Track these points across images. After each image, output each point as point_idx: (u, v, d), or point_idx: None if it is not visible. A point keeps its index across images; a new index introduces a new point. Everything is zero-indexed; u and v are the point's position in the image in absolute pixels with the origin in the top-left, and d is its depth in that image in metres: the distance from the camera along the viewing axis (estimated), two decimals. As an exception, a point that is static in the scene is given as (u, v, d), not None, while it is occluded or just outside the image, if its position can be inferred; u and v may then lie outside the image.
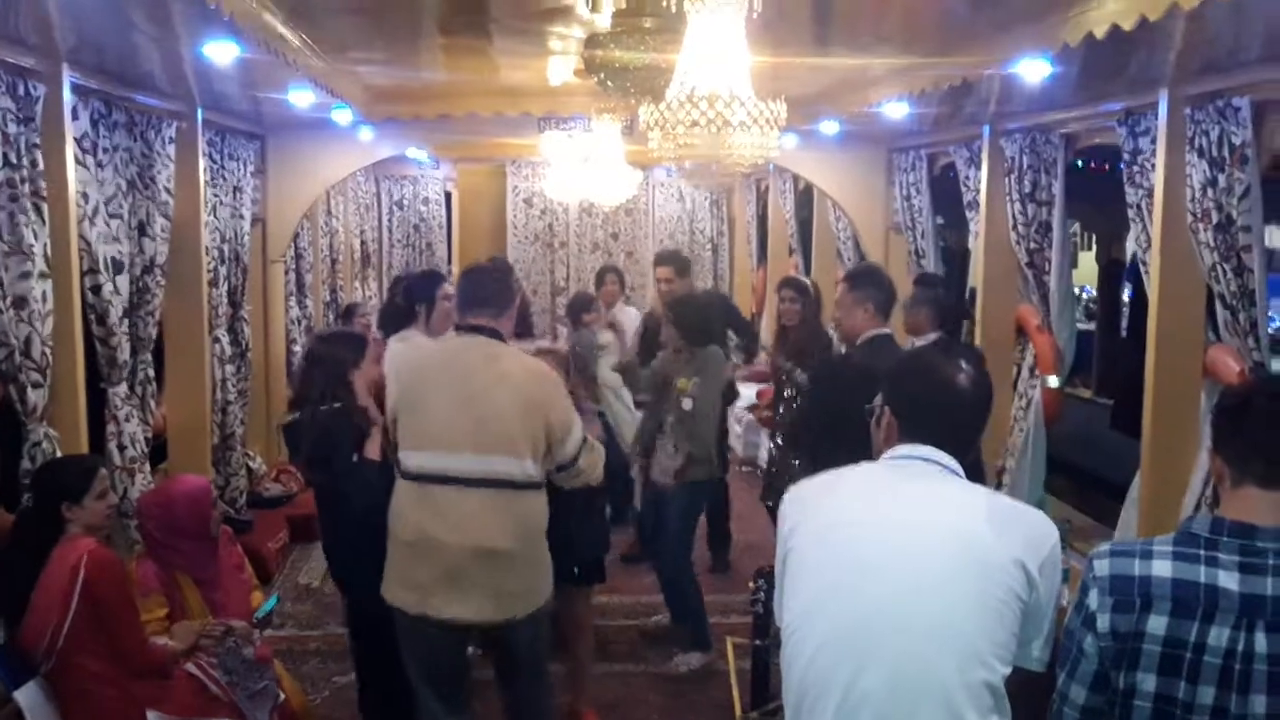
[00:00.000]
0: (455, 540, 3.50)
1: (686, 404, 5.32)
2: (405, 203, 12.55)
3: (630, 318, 8.17)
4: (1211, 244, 4.18)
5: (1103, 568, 2.03)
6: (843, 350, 5.55)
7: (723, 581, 6.31)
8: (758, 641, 4.14)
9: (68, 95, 4.28)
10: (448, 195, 12.96)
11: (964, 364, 2.22)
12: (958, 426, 2.19)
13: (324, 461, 3.91)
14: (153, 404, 5.47)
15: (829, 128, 6.89)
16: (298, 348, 8.34)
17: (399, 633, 3.68)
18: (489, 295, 3.73)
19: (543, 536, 3.67)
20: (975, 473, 2.29)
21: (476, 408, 3.52)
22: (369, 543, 3.67)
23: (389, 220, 12.38)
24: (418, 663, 3.71)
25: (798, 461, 5.46)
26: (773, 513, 5.66)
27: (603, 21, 3.97)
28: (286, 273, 8.01)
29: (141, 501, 4.26)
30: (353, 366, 3.97)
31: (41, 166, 4.11)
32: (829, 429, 3.48)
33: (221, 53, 4.09)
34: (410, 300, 5.17)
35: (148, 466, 5.26)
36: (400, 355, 4.08)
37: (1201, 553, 1.96)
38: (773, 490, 5.74)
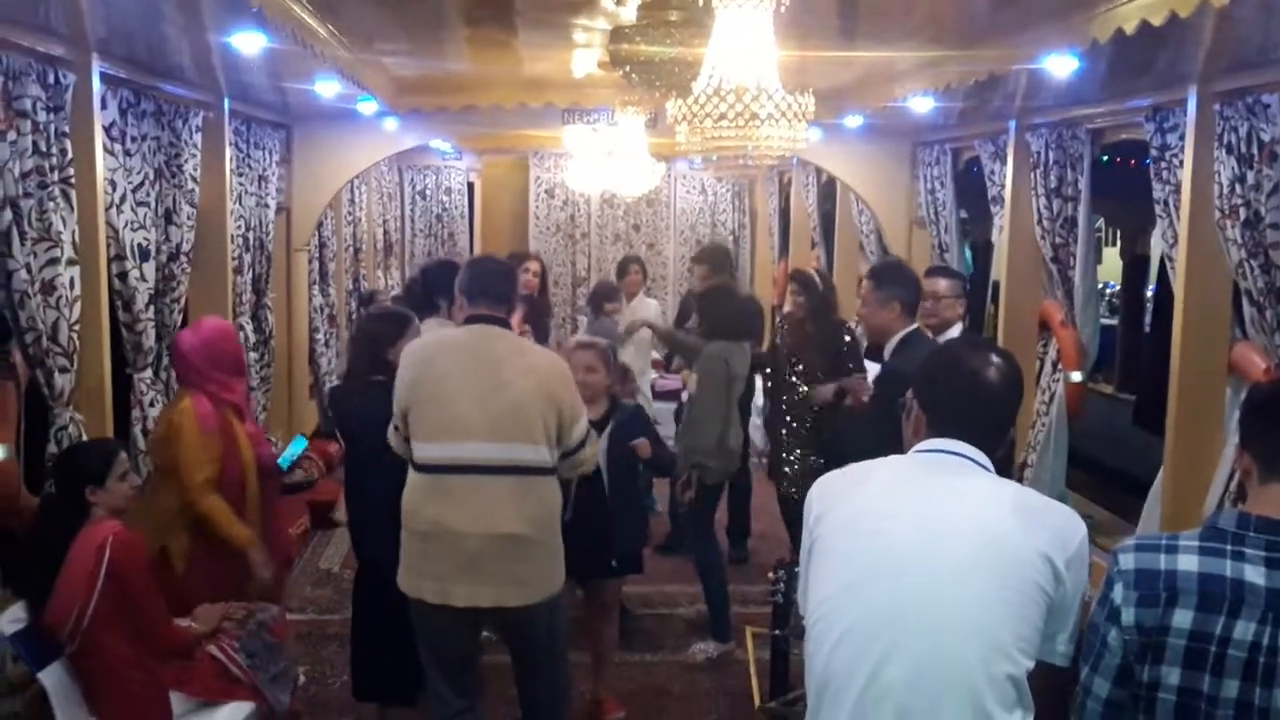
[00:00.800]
0: (474, 528, 3.52)
1: (684, 397, 5.39)
2: (428, 192, 12.59)
3: (651, 309, 8.21)
4: (1239, 240, 4.16)
5: (1128, 561, 2.03)
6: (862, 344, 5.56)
7: (741, 571, 6.32)
8: (777, 631, 4.16)
9: (97, 84, 4.32)
10: (470, 185, 12.98)
11: (994, 356, 2.22)
12: (985, 420, 2.18)
13: (348, 431, 4.18)
14: (176, 389, 5.51)
15: (853, 121, 6.88)
16: (320, 335, 8.40)
17: (414, 619, 3.71)
18: (500, 289, 3.76)
19: (557, 522, 3.70)
20: (1005, 466, 2.28)
21: (503, 396, 3.54)
22: (395, 516, 3.72)
23: (412, 210, 12.43)
24: (432, 649, 3.75)
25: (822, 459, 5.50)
26: (779, 492, 5.74)
27: (628, 14, 3.97)
28: (310, 261, 8.06)
29: (178, 341, 4.43)
30: (390, 344, 4.11)
31: (70, 154, 4.15)
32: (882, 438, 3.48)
33: (249, 43, 4.12)
34: (428, 290, 5.14)
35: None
36: (410, 349, 4.02)
37: (1228, 548, 1.97)
38: (776, 468, 5.76)
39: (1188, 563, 1.97)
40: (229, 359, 4.37)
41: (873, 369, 5.16)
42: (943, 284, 4.68)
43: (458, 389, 3.58)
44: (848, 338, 5.73)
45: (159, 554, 4.08)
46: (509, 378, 3.57)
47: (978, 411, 2.17)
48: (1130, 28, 3.26)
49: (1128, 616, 1.99)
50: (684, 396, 5.41)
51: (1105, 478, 7.86)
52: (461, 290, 3.83)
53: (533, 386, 3.57)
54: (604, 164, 7.69)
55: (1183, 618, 1.95)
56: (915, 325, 4.38)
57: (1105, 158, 5.96)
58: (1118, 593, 2.01)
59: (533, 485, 3.60)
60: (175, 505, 4.14)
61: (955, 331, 4.62)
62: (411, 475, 3.65)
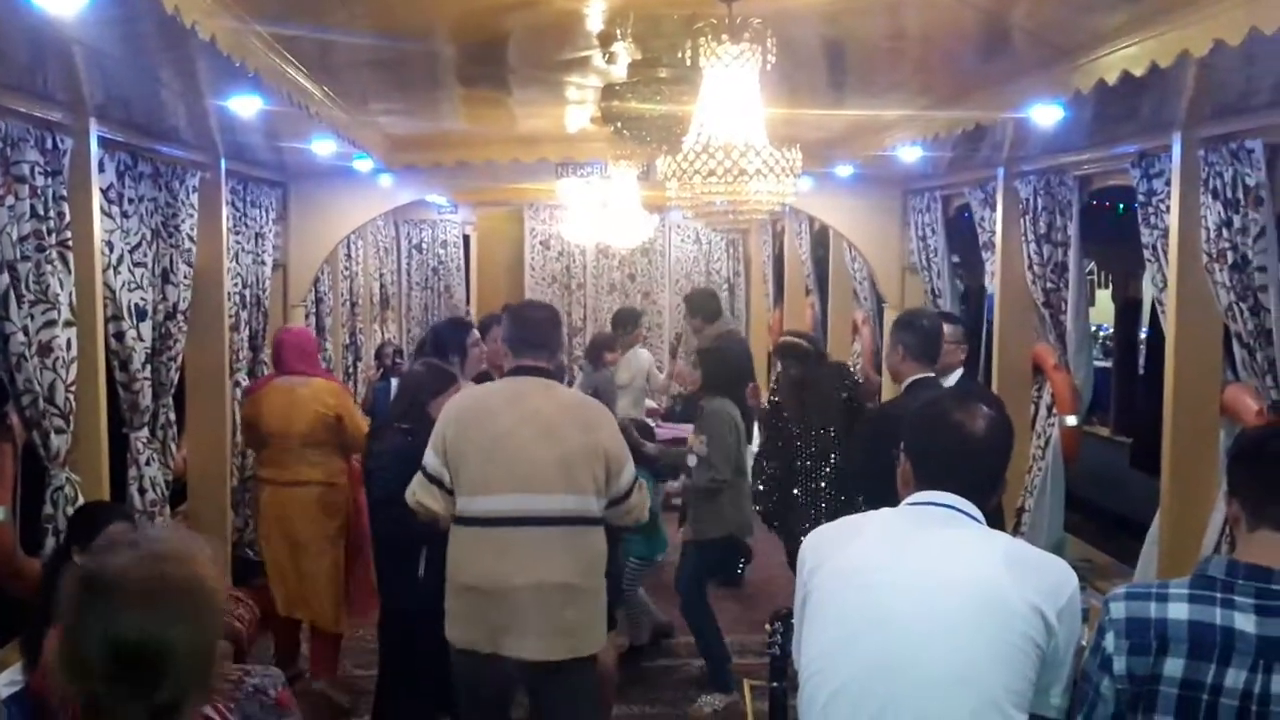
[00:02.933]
0: (524, 580, 3.52)
1: (691, 460, 5.35)
2: (424, 246, 12.65)
3: (644, 360, 8.24)
4: (1228, 284, 4.19)
5: (1118, 610, 2.04)
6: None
7: (737, 622, 6.28)
8: (774, 684, 4.13)
9: (95, 148, 4.35)
10: (466, 238, 13.06)
11: (983, 408, 2.24)
12: (972, 472, 2.20)
13: (367, 469, 4.52)
14: (173, 447, 5.51)
15: (844, 171, 6.95)
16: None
17: (455, 671, 3.70)
18: (543, 338, 3.79)
19: (604, 570, 3.69)
20: (995, 517, 2.29)
21: (549, 448, 3.56)
22: (413, 561, 3.99)
23: (408, 263, 12.47)
24: (470, 698, 3.75)
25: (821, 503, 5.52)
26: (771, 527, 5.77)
27: (619, 72, 4.03)
28: (306, 317, 8.05)
29: (284, 336, 5.72)
30: (432, 396, 4.32)
31: (68, 218, 4.17)
32: (868, 474, 3.54)
33: (246, 106, 4.17)
34: (440, 350, 5.19)
35: (168, 510, 5.29)
36: (454, 402, 3.97)
37: (1218, 595, 1.97)
38: (787, 529, 5.76)
39: (1178, 611, 1.98)
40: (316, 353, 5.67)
41: None
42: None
43: (502, 442, 3.58)
44: (847, 380, 5.79)
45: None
46: (554, 428, 3.59)
47: (965, 464, 2.19)
48: (1112, 78, 3.31)
49: (1119, 665, 1.99)
50: (691, 461, 5.37)
51: (1104, 521, 7.85)
52: (505, 341, 3.87)
53: (578, 436, 3.59)
54: (598, 216, 7.76)
55: (1174, 666, 1.95)
56: (929, 373, 4.40)
57: (1094, 201, 6.01)
58: (1109, 641, 2.02)
59: (581, 535, 3.60)
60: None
61: (955, 377, 4.66)
62: (456, 529, 3.63)
